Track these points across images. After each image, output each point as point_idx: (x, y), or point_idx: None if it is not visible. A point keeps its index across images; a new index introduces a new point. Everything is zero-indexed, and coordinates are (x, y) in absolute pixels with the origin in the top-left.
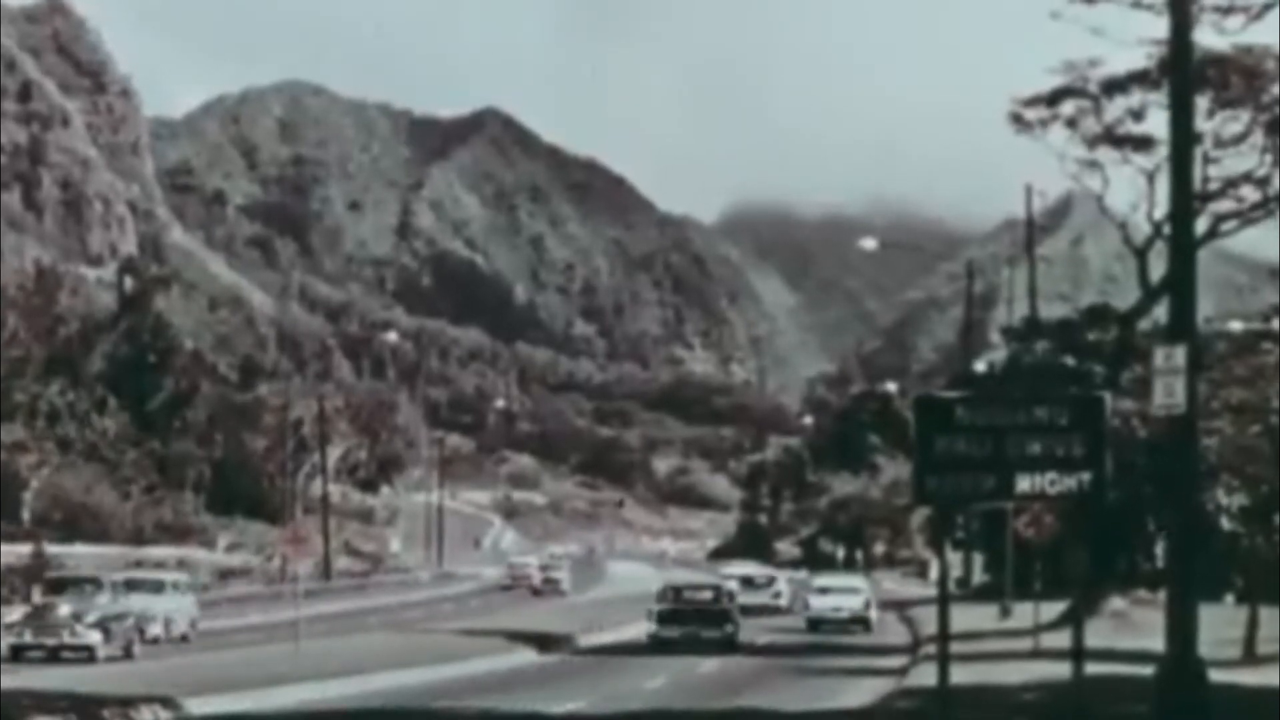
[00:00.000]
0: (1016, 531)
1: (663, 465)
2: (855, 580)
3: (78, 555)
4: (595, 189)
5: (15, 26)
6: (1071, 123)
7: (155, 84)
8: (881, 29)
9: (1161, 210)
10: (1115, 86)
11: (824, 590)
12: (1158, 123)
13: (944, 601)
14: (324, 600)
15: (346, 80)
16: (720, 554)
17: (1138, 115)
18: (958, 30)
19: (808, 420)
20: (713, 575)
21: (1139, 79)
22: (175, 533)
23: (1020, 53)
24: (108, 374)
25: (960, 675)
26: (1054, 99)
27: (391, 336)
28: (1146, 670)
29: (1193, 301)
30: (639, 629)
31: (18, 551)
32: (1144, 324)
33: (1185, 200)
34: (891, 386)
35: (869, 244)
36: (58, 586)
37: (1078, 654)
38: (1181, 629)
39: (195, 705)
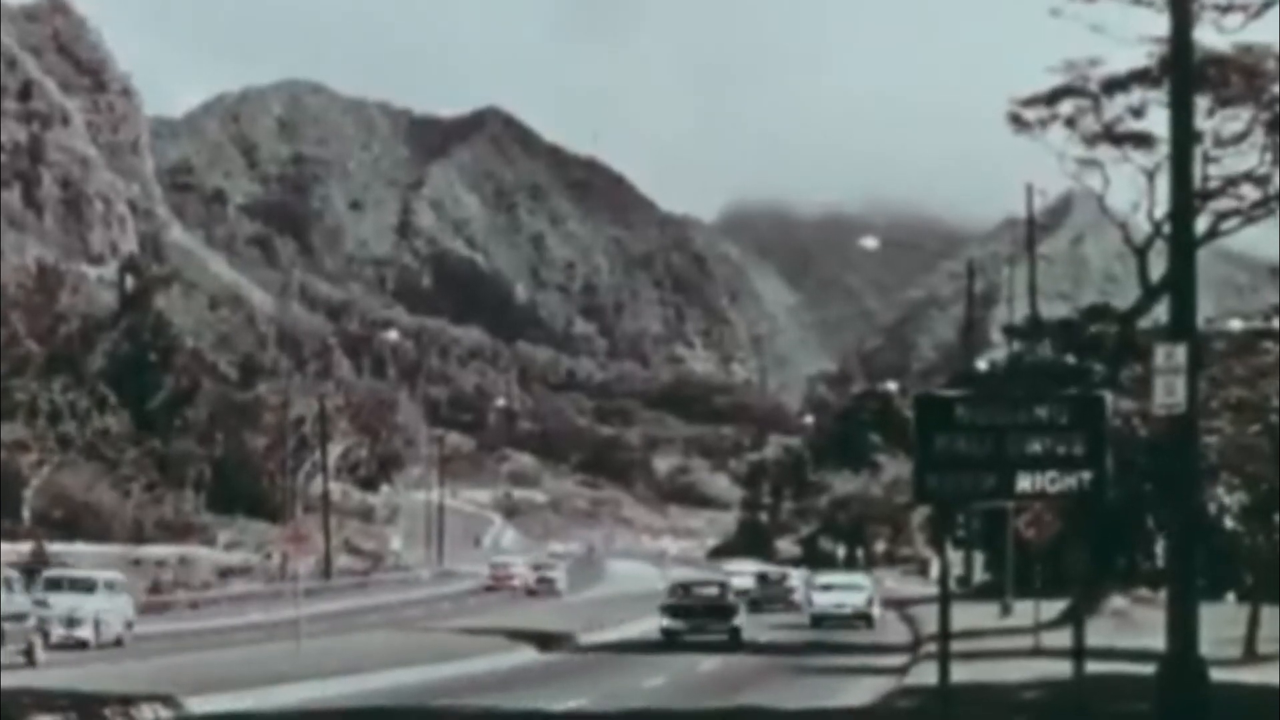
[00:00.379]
0: (1017, 530)
1: (663, 464)
2: (858, 578)
3: (78, 554)
4: (595, 188)
5: (15, 25)
6: (1071, 122)
7: (155, 83)
8: (881, 29)
9: (1161, 209)
10: (1115, 85)
11: (828, 587)
12: (1158, 121)
13: (945, 600)
14: (324, 599)
15: (346, 79)
16: (720, 552)
17: (1138, 114)
18: (957, 30)
19: (808, 419)
20: (717, 573)
21: (1139, 77)
22: (175, 531)
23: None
24: (108, 372)
25: (961, 674)
26: (1053, 98)
27: (392, 335)
28: (1147, 669)
29: (1193, 301)
30: (639, 627)
31: (18, 550)
32: (1144, 323)
33: (1185, 199)
34: (892, 385)
35: (869, 243)
36: None
37: (1078, 653)
38: (1182, 628)
39: (196, 704)
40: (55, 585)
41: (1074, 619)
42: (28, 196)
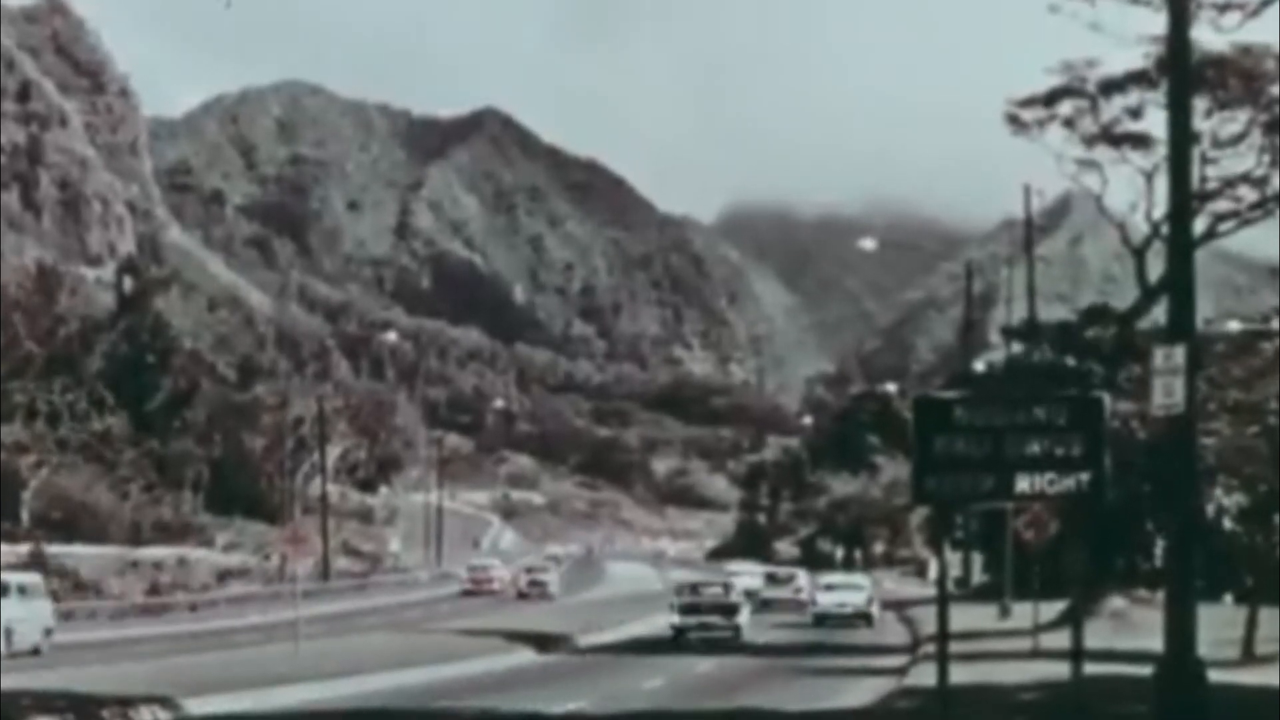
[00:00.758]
0: (1016, 532)
1: (661, 465)
2: (858, 579)
3: (77, 555)
4: (595, 189)
5: (14, 26)
6: (1069, 122)
7: (154, 84)
8: (880, 29)
9: (1160, 210)
10: (1113, 86)
11: (830, 587)
12: (1156, 122)
13: (943, 601)
14: (323, 600)
15: (345, 80)
16: (719, 554)
17: (1135, 115)
18: (956, 30)
19: (807, 420)
20: (719, 574)
21: (1137, 78)
22: (174, 532)
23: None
24: (106, 374)
25: (960, 675)
26: (1051, 99)
27: (390, 336)
28: (1146, 670)
29: (1191, 302)
30: (638, 629)
31: (17, 551)
32: (1143, 324)
33: (1183, 200)
34: (890, 387)
35: (868, 244)
36: None
37: (1077, 654)
38: (1181, 629)
39: (195, 705)
40: None
41: (1073, 620)
42: (26, 198)
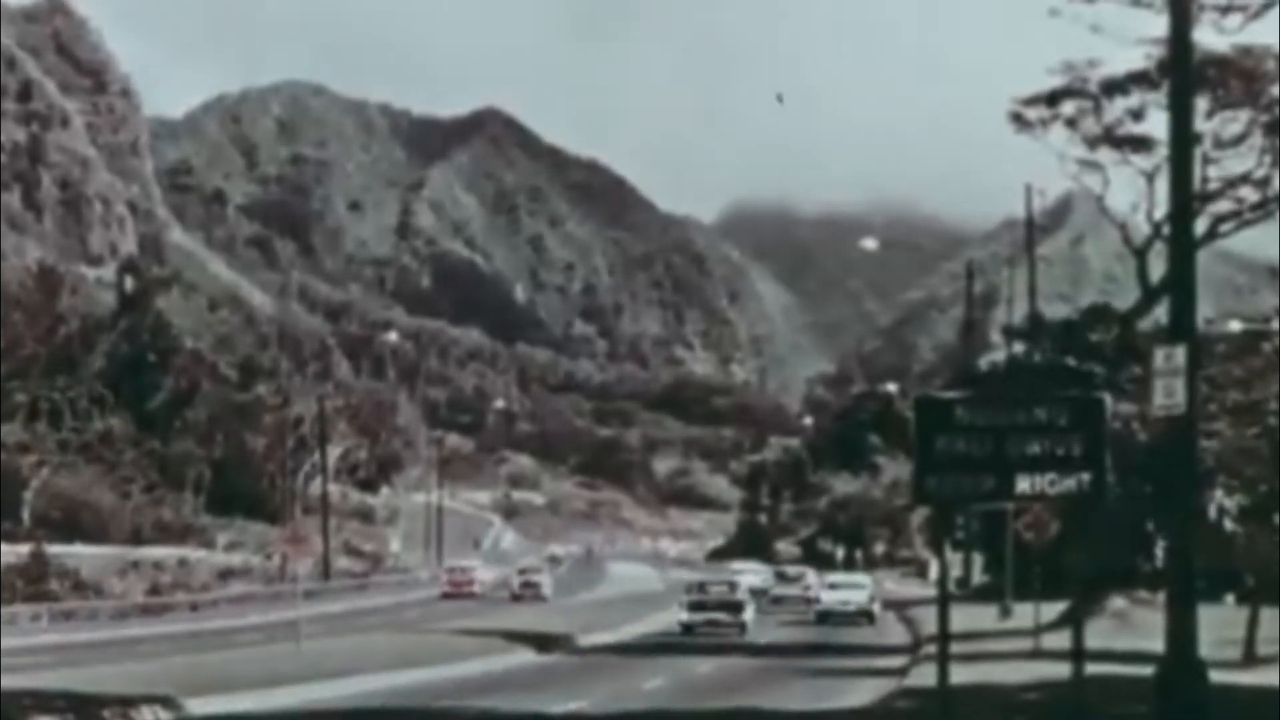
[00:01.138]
0: (1016, 532)
1: (662, 466)
2: (860, 578)
3: (77, 555)
4: (595, 189)
5: (15, 26)
6: (1071, 123)
7: (155, 84)
8: (881, 28)
9: (1161, 210)
10: (1115, 87)
11: (833, 586)
12: (1157, 123)
13: (944, 601)
14: (324, 600)
15: (346, 80)
16: (720, 554)
17: (1137, 116)
18: (958, 30)
19: (808, 420)
20: (726, 573)
21: (1138, 79)
22: (174, 532)
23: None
24: (107, 373)
25: (960, 675)
26: (1054, 99)
27: (391, 336)
28: (1146, 671)
29: (1193, 302)
30: (638, 629)
31: (18, 551)
32: (1144, 324)
33: (1185, 200)
34: (891, 387)
35: (869, 244)
36: None
37: (1078, 654)
38: (1181, 629)
39: (195, 705)
40: None
41: (1073, 621)
42: (27, 198)
